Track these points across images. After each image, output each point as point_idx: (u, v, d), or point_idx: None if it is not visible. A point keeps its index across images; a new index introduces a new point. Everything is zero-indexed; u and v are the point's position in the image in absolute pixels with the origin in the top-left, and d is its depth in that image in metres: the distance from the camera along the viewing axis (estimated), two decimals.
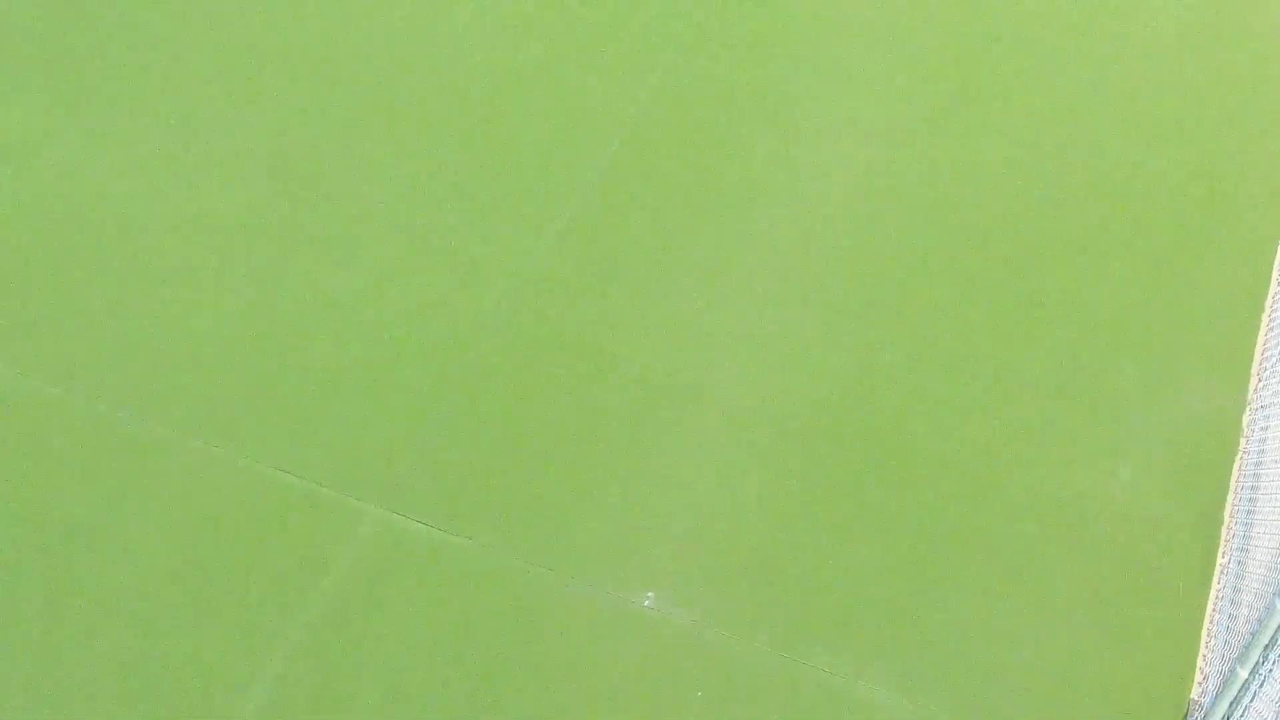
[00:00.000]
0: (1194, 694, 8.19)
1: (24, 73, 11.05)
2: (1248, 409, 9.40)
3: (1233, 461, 9.15)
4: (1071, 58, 11.70)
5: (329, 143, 10.75)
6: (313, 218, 10.25)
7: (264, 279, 9.86)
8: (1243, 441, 9.23)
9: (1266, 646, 7.21)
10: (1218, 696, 7.66)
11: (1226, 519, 8.86)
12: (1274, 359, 9.38)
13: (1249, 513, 8.67)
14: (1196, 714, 8.03)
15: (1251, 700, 7.27)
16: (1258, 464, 8.81)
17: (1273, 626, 7.15)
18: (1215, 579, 8.62)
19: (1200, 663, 8.29)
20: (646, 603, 8.42)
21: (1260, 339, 9.79)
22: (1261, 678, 7.21)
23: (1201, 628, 8.43)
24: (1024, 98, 11.39)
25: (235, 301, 9.72)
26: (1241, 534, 8.59)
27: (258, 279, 9.85)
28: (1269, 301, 10.01)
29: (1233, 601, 8.26)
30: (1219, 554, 8.72)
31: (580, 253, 10.14)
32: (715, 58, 11.50)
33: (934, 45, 11.71)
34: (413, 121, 10.93)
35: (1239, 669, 7.41)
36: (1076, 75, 11.56)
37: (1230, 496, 8.96)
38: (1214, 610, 8.47)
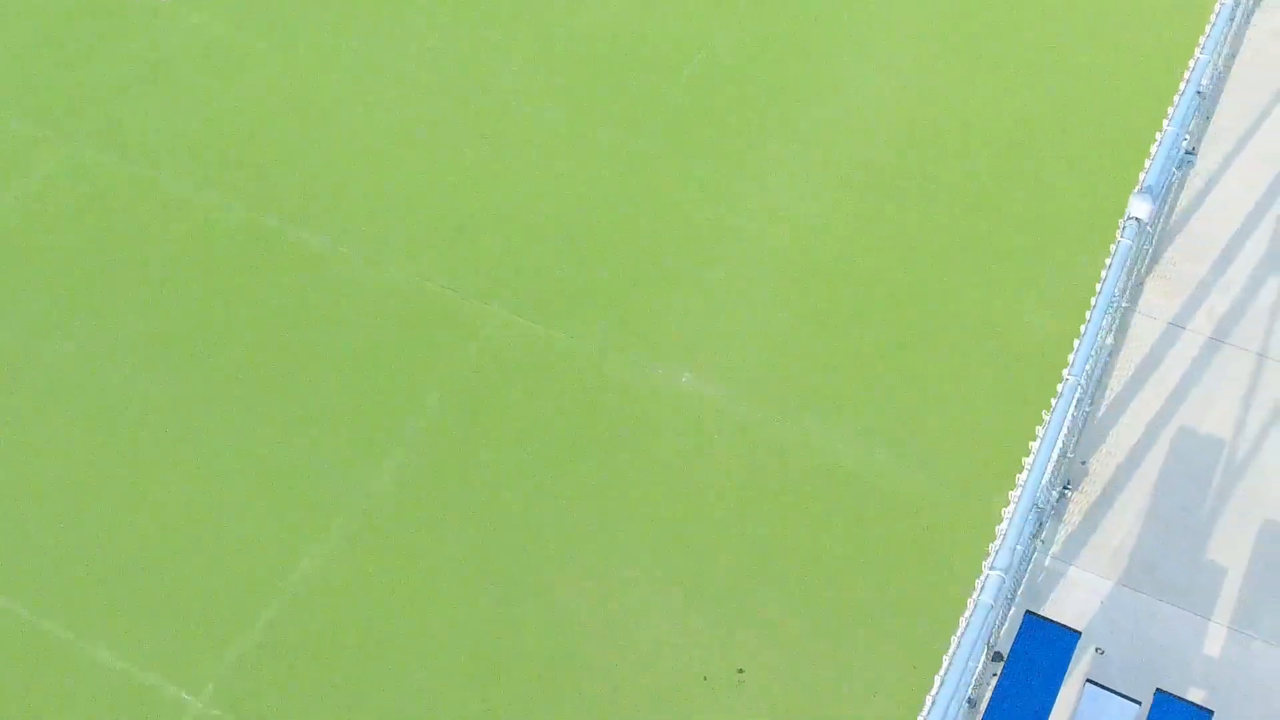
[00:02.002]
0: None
1: (269, 18, 14.93)
2: None
3: None
4: (1030, 42, 15.21)
5: (487, 68, 14.50)
6: (477, 118, 14.03)
7: (434, 158, 13.66)
8: None
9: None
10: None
11: None
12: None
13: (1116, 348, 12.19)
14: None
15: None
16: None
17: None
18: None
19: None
20: (685, 380, 12.13)
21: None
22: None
23: None
24: (1001, 59, 14.87)
25: (409, 174, 13.52)
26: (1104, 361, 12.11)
27: (431, 158, 13.66)
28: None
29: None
30: None
31: (671, 142, 13.82)
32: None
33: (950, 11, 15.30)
34: (550, 55, 14.64)
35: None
36: (1045, 48, 15.06)
37: None
38: None
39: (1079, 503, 10.93)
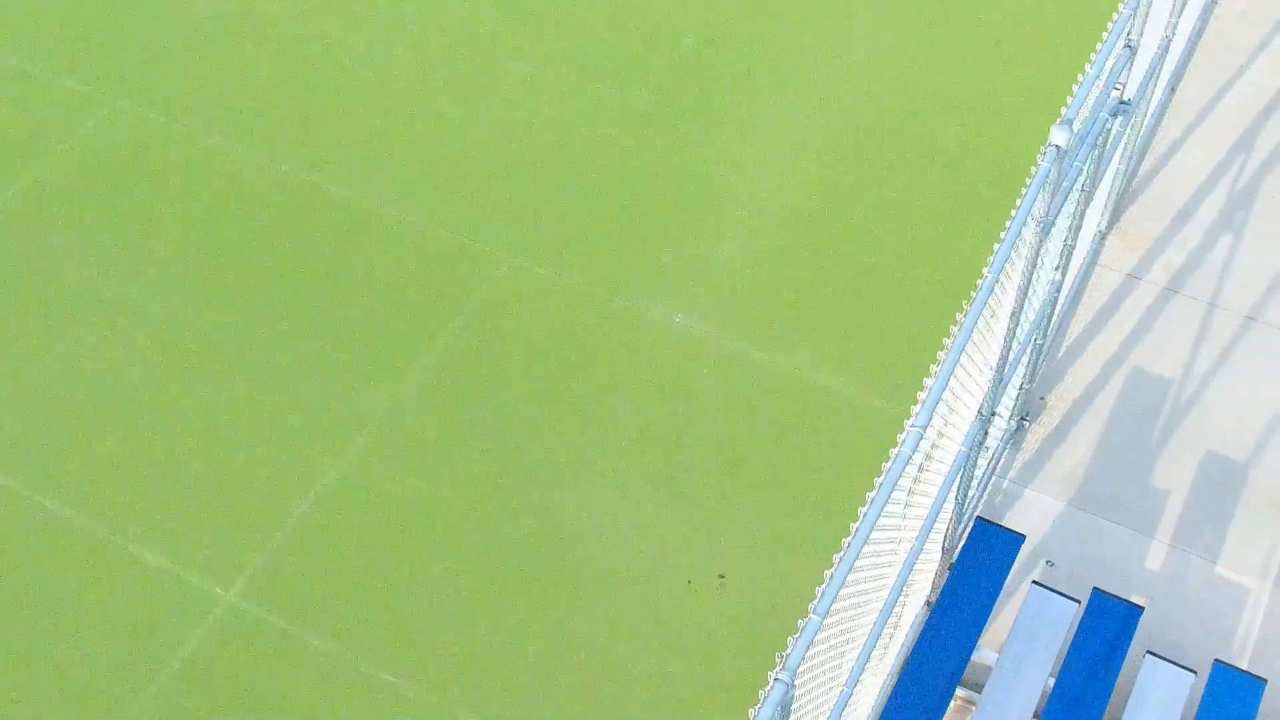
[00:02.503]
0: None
1: None
2: None
3: None
4: (1009, 14, 16.27)
5: (501, 36, 15.58)
6: (492, 79, 15.11)
7: (445, 108, 14.75)
8: None
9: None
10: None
11: None
12: None
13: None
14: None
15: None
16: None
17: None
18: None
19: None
20: (677, 319, 13.16)
21: None
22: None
23: None
24: (980, 31, 15.90)
25: (427, 127, 14.61)
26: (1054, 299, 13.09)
27: (442, 107, 14.75)
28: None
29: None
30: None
31: (669, 105, 14.85)
32: None
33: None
34: (561, 23, 15.73)
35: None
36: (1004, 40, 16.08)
37: None
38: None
39: (1036, 433, 11.94)
